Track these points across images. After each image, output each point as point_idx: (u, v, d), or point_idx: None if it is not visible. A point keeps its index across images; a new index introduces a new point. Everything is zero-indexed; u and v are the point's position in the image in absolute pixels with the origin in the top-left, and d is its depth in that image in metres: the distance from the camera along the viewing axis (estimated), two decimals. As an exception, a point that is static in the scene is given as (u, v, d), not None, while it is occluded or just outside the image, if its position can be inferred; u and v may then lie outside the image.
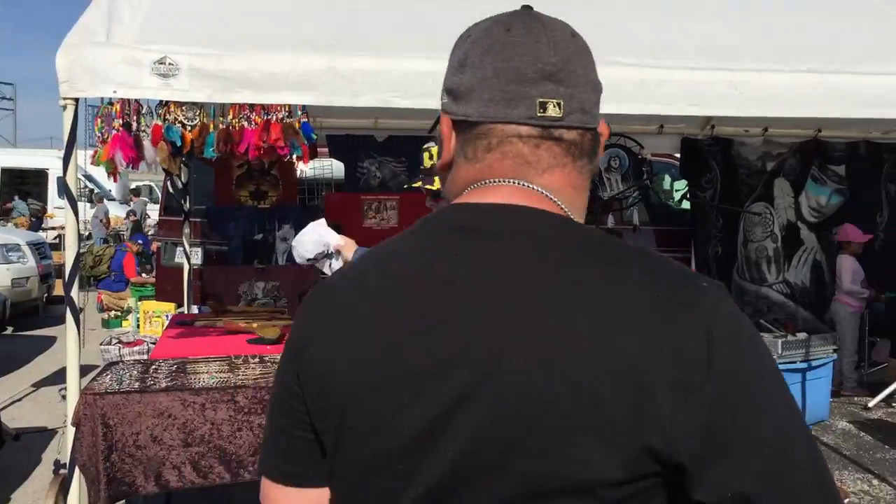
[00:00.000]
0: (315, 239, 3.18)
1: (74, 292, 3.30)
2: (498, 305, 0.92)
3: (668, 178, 8.91)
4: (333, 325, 1.01)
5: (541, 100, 0.99)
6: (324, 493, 1.06)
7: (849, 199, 7.39)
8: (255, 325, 5.06)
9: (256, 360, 3.99)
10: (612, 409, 0.86)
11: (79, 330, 3.32)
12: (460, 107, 1.03)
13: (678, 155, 7.45)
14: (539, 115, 0.99)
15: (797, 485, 0.87)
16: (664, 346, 0.87)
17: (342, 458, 1.00)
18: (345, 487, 1.03)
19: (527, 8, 1.05)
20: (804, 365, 6.01)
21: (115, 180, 4.55)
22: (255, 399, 3.45)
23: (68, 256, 3.32)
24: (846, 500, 4.40)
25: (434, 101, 3.76)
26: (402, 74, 3.58)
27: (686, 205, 7.77)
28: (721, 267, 7.24)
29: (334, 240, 3.19)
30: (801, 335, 6.14)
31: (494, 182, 1.03)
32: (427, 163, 2.93)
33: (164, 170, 6.87)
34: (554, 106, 0.99)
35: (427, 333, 0.94)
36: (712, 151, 7.19)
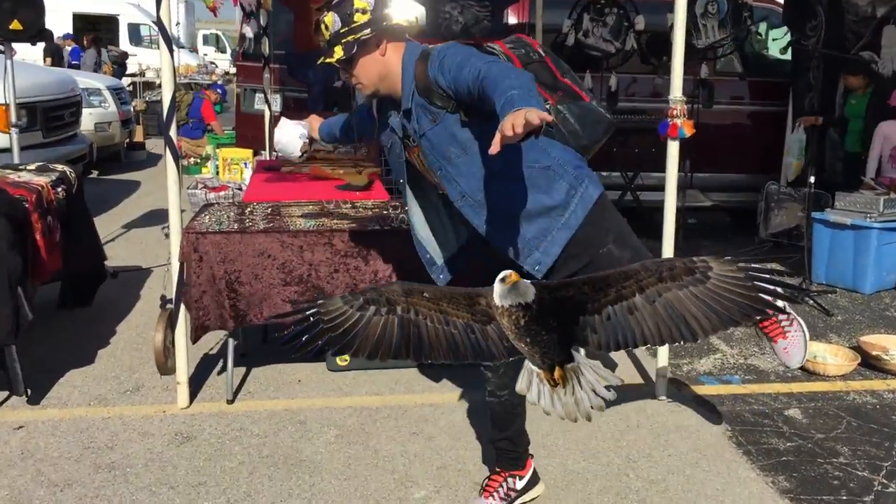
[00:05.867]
0: (294, 136, 3.00)
1: (173, 131, 3.29)
2: None
3: (763, 26, 8.34)
4: None
5: None
6: None
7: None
8: (341, 171, 5.06)
9: (348, 205, 3.98)
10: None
11: (178, 169, 3.34)
12: None
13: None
14: None
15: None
16: None
17: None
18: None
19: None
20: (905, 223, 5.77)
21: (214, 14, 4.51)
22: (351, 243, 3.47)
23: (165, 94, 3.29)
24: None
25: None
26: None
27: (781, 55, 7.31)
28: (817, 119, 6.87)
29: (304, 128, 3.02)
30: (903, 193, 5.86)
31: None
32: (325, 34, 2.39)
33: (244, 11, 6.74)
34: None
35: None
36: (819, -5, 6.68)
